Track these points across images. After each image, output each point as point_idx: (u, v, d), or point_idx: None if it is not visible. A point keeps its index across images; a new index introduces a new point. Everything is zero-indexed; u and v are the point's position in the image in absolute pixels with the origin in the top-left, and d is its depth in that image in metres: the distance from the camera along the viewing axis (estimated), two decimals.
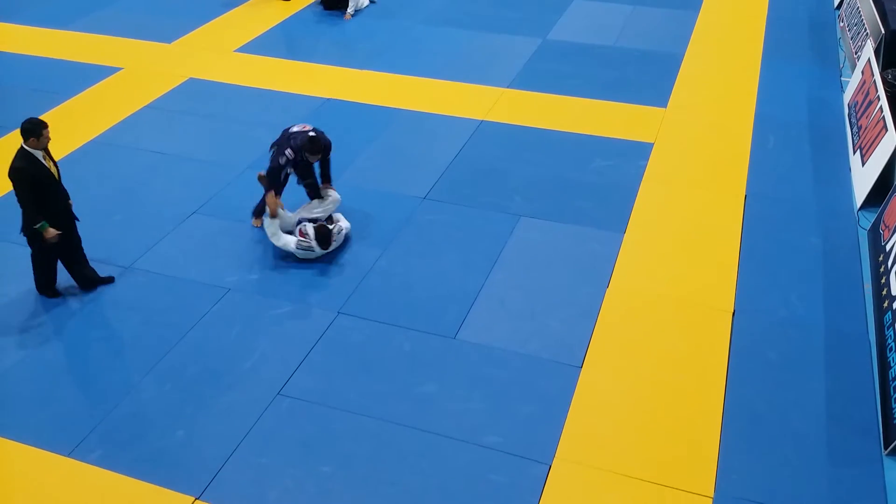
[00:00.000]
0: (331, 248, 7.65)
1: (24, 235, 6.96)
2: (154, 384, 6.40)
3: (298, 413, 6.13)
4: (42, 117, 10.12)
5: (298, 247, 7.60)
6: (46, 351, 6.74)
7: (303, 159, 7.68)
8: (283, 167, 7.60)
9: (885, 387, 6.12)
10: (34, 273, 7.27)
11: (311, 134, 7.69)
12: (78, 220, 7.14)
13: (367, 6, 13.93)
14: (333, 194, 8.06)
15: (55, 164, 6.90)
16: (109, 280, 7.45)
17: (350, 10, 13.53)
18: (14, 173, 6.69)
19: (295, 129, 7.81)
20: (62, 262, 7.24)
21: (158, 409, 6.19)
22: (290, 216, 7.86)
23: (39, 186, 6.73)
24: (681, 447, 5.82)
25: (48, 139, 6.73)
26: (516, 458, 5.76)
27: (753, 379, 6.37)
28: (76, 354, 6.70)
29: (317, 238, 7.57)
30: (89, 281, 7.35)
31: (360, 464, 5.73)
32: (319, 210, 7.97)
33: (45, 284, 7.29)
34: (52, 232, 6.80)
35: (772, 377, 6.38)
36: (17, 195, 6.76)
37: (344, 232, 7.84)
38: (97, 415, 6.13)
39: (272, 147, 7.82)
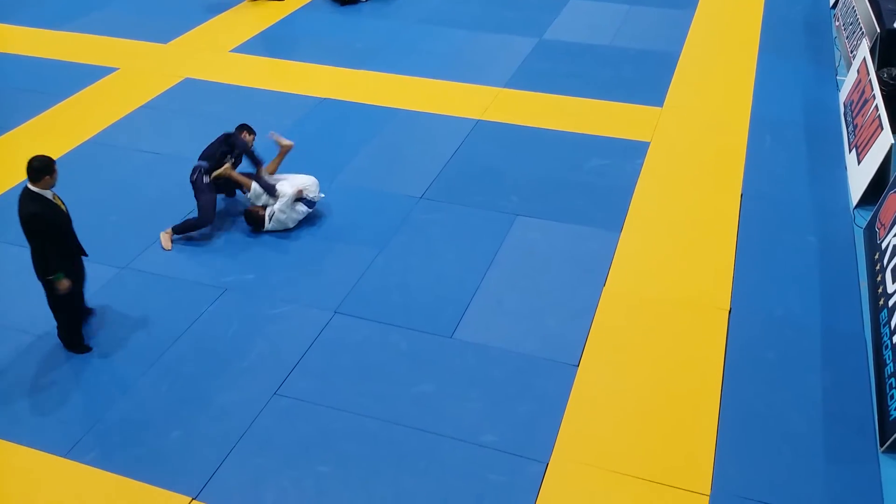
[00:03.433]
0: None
1: (42, 281, 6.30)
2: (150, 384, 6.39)
3: (295, 413, 6.13)
4: (38, 118, 10.29)
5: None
6: (42, 351, 6.72)
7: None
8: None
9: (881, 384, 6.13)
10: (64, 329, 6.60)
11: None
12: (87, 255, 6.61)
13: None
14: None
15: (62, 201, 6.30)
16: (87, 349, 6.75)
17: None
18: (31, 221, 5.93)
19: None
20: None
21: (155, 409, 6.18)
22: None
23: (57, 229, 6.13)
24: (678, 445, 5.83)
25: (57, 175, 6.12)
26: (513, 456, 5.76)
27: (750, 377, 6.38)
28: (72, 354, 6.68)
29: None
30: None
31: (357, 464, 5.73)
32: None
33: (78, 341, 6.67)
34: (65, 284, 6.21)
35: (768, 375, 6.39)
36: (31, 243, 6.09)
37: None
38: (93, 415, 6.12)
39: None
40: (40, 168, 6.00)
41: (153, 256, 7.78)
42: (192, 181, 7.98)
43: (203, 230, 8.01)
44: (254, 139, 8.31)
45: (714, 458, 5.72)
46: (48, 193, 6.10)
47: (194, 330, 6.90)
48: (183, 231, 7.92)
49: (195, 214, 8.00)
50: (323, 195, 8.27)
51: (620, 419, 6.04)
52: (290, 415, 6.11)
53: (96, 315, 7.05)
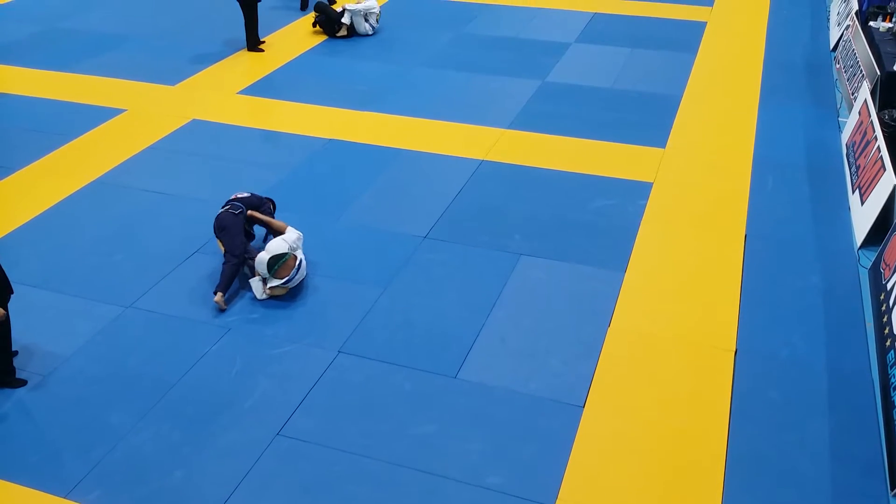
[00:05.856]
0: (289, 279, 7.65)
1: None
2: (153, 424, 6.35)
3: (298, 454, 6.08)
4: (46, 158, 10.39)
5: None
6: (43, 390, 6.70)
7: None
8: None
9: (889, 426, 6.07)
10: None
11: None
12: (13, 291, 6.55)
13: (368, 32, 14.78)
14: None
15: None
16: (21, 383, 6.72)
17: (343, 29, 14.61)
18: None
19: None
20: None
21: (157, 448, 6.14)
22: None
23: None
24: (684, 487, 5.76)
25: None
26: (518, 499, 5.69)
27: (756, 418, 6.33)
28: (74, 393, 6.66)
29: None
30: (8, 373, 6.72)
31: None
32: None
33: (9, 370, 6.68)
34: (1, 312, 6.26)
35: (775, 417, 6.34)
36: None
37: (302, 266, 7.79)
38: (95, 454, 6.08)
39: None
40: None
41: (157, 296, 7.79)
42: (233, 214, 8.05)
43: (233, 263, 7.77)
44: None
45: (721, 501, 5.65)
46: None
47: (197, 369, 6.88)
48: (227, 285, 7.63)
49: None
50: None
51: (626, 461, 5.98)
52: (292, 456, 6.06)
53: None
